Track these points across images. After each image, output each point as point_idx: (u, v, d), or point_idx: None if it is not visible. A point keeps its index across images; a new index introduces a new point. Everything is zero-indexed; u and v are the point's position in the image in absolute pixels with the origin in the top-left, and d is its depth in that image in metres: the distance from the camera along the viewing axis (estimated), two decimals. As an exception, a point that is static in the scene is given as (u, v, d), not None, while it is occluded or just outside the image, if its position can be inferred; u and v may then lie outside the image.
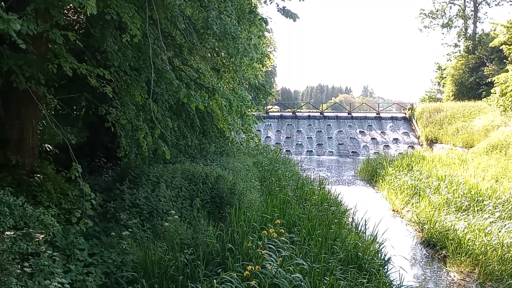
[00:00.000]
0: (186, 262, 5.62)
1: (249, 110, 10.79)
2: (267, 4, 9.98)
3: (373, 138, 31.51)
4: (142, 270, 5.40)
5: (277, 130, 32.89)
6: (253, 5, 9.42)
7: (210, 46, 8.43)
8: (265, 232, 6.49)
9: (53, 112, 8.79)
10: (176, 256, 5.70)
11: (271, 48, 45.79)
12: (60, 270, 4.47)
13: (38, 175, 6.02)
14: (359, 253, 7.05)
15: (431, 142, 27.76)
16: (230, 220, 7.39)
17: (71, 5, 5.25)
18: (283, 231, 6.79)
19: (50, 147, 8.24)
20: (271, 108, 40.38)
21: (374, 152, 28.00)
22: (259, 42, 11.28)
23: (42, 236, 4.71)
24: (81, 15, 8.65)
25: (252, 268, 5.16)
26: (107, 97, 6.19)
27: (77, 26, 8.71)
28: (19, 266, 4.08)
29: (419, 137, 30.53)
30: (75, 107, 9.73)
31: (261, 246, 6.04)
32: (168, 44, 8.98)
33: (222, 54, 10.20)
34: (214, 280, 4.93)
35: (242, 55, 7.03)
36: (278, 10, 8.90)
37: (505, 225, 9.08)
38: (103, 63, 6.96)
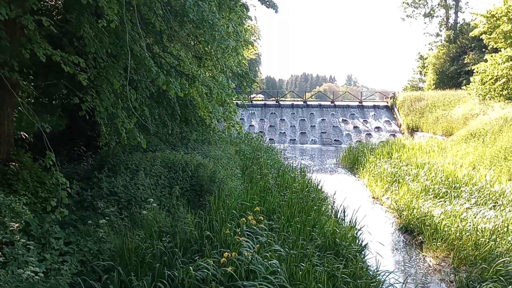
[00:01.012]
0: (164, 249, 5.62)
1: (231, 98, 10.75)
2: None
3: (355, 127, 31.78)
4: (118, 258, 5.39)
5: (261, 119, 32.90)
6: (233, -9, 9.34)
7: (188, 33, 8.33)
8: (244, 219, 6.53)
9: (32, 100, 8.64)
10: (153, 244, 5.70)
11: (255, 36, 45.60)
12: (34, 259, 4.42)
13: (14, 164, 5.94)
14: (337, 240, 7.17)
15: (412, 130, 28.13)
16: (209, 208, 7.42)
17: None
18: (262, 218, 6.84)
19: (27, 135, 8.11)
20: (255, 96, 40.35)
21: (357, 141, 28.26)
22: (241, 30, 11.19)
23: (17, 225, 4.67)
24: (58, 0, 8.48)
25: (229, 255, 5.20)
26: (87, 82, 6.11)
27: (55, 12, 8.54)
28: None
29: (400, 125, 30.89)
30: (55, 95, 9.58)
31: (239, 233, 6.09)
32: (148, 31, 8.87)
33: (203, 41, 10.11)
34: (190, 267, 4.96)
35: (219, 42, 6.98)
36: (259, 0, 8.83)
37: (480, 211, 9.31)
38: (80, 49, 6.85)
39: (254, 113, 33.28)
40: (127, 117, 7.13)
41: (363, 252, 7.57)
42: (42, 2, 8.04)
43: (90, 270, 5.10)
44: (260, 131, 30.30)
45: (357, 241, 7.93)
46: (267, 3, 8.87)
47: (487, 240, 7.65)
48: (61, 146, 8.91)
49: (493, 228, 8.03)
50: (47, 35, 6.14)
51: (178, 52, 9.72)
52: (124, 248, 5.47)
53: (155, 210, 6.60)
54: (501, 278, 6.41)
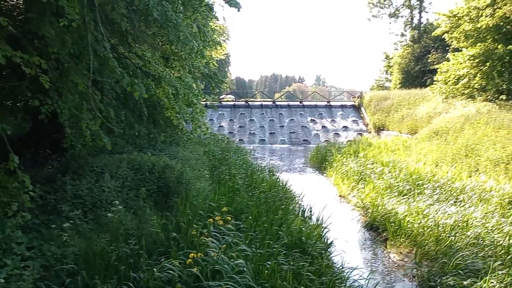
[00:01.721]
0: (130, 252, 5.59)
1: (198, 98, 10.73)
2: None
3: (323, 126, 32.23)
4: (83, 262, 5.32)
5: (230, 119, 32.89)
6: (198, -10, 9.33)
7: (154, 33, 8.28)
8: (211, 220, 6.56)
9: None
10: (119, 246, 5.65)
11: (224, 36, 45.50)
12: (-5, 265, 4.33)
13: (-27, 168, 5.74)
14: (303, 238, 7.28)
15: (379, 129, 28.78)
16: (176, 209, 7.40)
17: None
18: (230, 219, 6.89)
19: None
20: (224, 97, 40.28)
21: (325, 140, 28.68)
22: (208, 30, 11.19)
23: (-24, 231, 4.53)
24: (19, 0, 8.25)
25: (194, 256, 5.22)
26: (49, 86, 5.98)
27: (16, 12, 8.31)
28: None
29: (367, 124, 31.54)
30: (19, 97, 9.31)
31: (206, 234, 6.11)
32: (113, 31, 8.74)
33: (168, 41, 10.03)
34: (155, 269, 4.95)
35: (183, 43, 6.97)
36: (221, -2, 8.86)
37: (442, 207, 9.64)
38: (42, 50, 6.69)
39: (223, 114, 33.25)
40: (92, 118, 7.01)
41: (329, 250, 7.73)
42: (2, 2, 7.81)
43: (54, 275, 5.01)
44: (229, 132, 30.32)
45: (323, 239, 8.08)
46: (230, 2, 8.90)
47: (447, 235, 7.93)
48: (25, 148, 8.68)
49: (453, 224, 8.33)
50: (7, 36, 5.97)
51: (143, 52, 9.62)
52: (89, 251, 5.41)
53: (121, 213, 6.54)
54: (460, 272, 6.67)
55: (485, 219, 8.62)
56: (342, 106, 34.85)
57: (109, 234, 6.05)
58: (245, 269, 5.39)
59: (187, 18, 8.43)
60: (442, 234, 8.06)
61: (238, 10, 8.85)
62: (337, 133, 30.98)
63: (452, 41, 22.66)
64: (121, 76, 6.55)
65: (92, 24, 6.45)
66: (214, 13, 10.73)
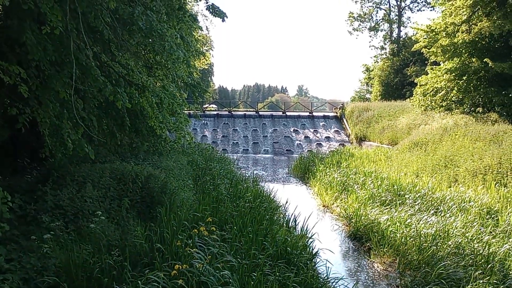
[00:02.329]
0: (113, 264, 5.47)
1: (181, 108, 10.67)
2: (198, 1, 9.94)
3: (306, 137, 32.43)
4: (64, 274, 5.19)
5: (214, 129, 32.83)
6: (182, 1, 9.32)
7: (137, 42, 8.23)
8: (196, 230, 6.48)
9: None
10: (102, 258, 5.53)
11: (207, 46, 45.61)
12: (-29, 278, 4.18)
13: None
14: (288, 248, 7.25)
15: (360, 140, 29.11)
16: (160, 220, 7.30)
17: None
18: (214, 229, 6.82)
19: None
20: (208, 106, 40.26)
21: (308, 150, 28.82)
22: (191, 40, 11.19)
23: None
24: (-2, 6, 8.10)
25: (179, 267, 5.14)
26: (28, 92, 5.86)
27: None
28: None
29: (349, 135, 31.87)
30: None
31: (191, 244, 6.03)
32: (96, 39, 8.65)
33: (152, 51, 9.98)
34: (139, 281, 4.85)
35: (168, 53, 6.95)
36: (207, 8, 8.87)
37: (423, 217, 9.76)
38: (22, 57, 6.57)
39: (206, 123, 33.17)
40: (73, 127, 6.89)
41: (313, 260, 7.70)
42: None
43: (34, 288, 4.87)
44: (213, 141, 30.24)
45: (308, 249, 8.06)
46: (215, 12, 8.93)
47: (429, 244, 8.02)
48: (3, 157, 8.47)
49: (435, 233, 8.43)
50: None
51: (127, 61, 9.55)
52: (70, 263, 5.28)
53: (104, 223, 6.42)
54: (443, 281, 6.74)
55: (465, 229, 8.77)
56: (324, 117, 35.20)
57: (92, 245, 5.92)
58: (231, 280, 5.33)
59: (172, 28, 8.41)
60: (424, 244, 8.14)
61: (223, 20, 8.87)
62: (320, 144, 31.19)
63: (430, 55, 23.21)
64: (103, 85, 6.47)
65: (75, 32, 6.37)
66: (197, 23, 10.72)
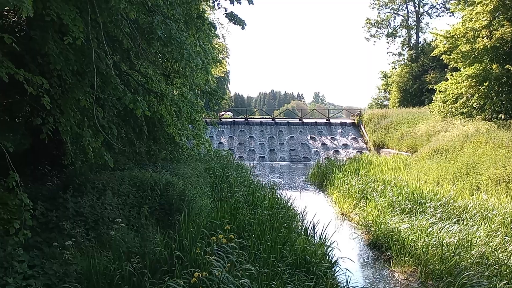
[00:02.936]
0: (133, 271, 5.49)
1: (200, 115, 10.73)
2: (216, 9, 10.01)
3: (323, 144, 32.26)
4: (86, 281, 5.23)
5: (230, 136, 32.92)
6: (201, 10, 9.41)
7: (156, 51, 8.32)
8: (215, 238, 6.47)
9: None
10: (122, 265, 5.56)
11: (223, 54, 45.93)
12: (-4, 284, 4.25)
13: (-27, 185, 5.69)
14: (307, 257, 7.19)
15: (378, 147, 28.81)
16: (179, 227, 7.32)
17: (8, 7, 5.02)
18: (233, 237, 6.81)
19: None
20: (224, 114, 40.40)
21: (325, 158, 28.65)
22: (208, 48, 11.27)
23: (-23, 249, 4.47)
24: (21, 17, 8.29)
25: (199, 275, 5.13)
26: (51, 102, 5.96)
27: (17, 28, 8.34)
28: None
29: (367, 142, 31.59)
30: (17, 113, 9.29)
31: (210, 252, 6.02)
32: (115, 48, 8.78)
33: (171, 59, 10.08)
34: (160, 288, 4.86)
35: (187, 60, 7.00)
36: (226, 16, 8.93)
37: (445, 225, 9.57)
38: (44, 67, 6.70)
39: (223, 130, 33.28)
40: (93, 135, 6.98)
41: (333, 269, 7.62)
42: (3, 19, 7.85)
43: (56, 294, 4.92)
44: (229, 149, 30.29)
45: (327, 257, 7.98)
46: (235, 20, 8.98)
47: (452, 254, 7.86)
48: (24, 165, 8.61)
49: (457, 243, 8.25)
50: (9, 52, 5.98)
51: (146, 69, 9.66)
52: (91, 270, 5.32)
53: (123, 230, 6.46)
54: (467, 291, 6.59)
55: (489, 238, 8.57)
56: (341, 124, 34.96)
57: (112, 252, 5.96)
58: (250, 288, 5.30)
59: (191, 36, 8.49)
60: (446, 253, 7.98)
61: (243, 28, 8.91)
62: (337, 151, 30.99)
63: (450, 61, 22.90)
64: (123, 93, 6.54)
65: (96, 41, 6.48)
66: (215, 31, 10.80)
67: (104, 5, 5.93)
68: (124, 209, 7.36)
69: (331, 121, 35.94)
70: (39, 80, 5.41)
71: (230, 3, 8.51)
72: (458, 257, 7.71)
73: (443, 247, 8.21)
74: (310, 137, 33.05)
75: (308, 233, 9.63)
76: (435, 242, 8.52)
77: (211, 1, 9.03)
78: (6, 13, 7.90)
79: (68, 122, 6.43)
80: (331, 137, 33.01)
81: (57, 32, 6.60)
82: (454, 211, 10.58)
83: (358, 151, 30.23)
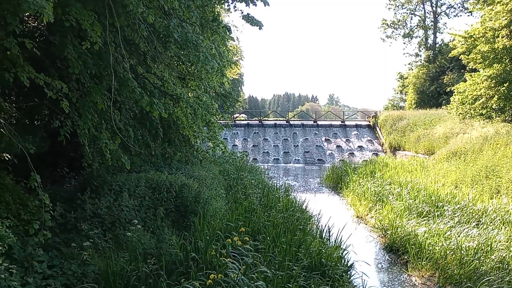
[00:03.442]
0: (149, 272, 5.54)
1: (215, 117, 10.78)
2: (231, 12, 10.08)
3: (338, 146, 32.07)
4: (103, 281, 5.30)
5: (244, 139, 32.96)
6: (216, 13, 9.47)
7: (172, 54, 8.40)
8: (229, 240, 6.49)
9: (13, 121, 8.52)
10: (138, 266, 5.61)
11: (237, 56, 46.08)
12: (17, 283, 4.33)
13: (-4, 186, 5.82)
14: (323, 260, 7.15)
15: (394, 149, 28.52)
16: (194, 229, 7.35)
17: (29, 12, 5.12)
18: (248, 239, 6.81)
19: (9, 156, 7.97)
20: (238, 116, 40.51)
21: (340, 160, 28.47)
22: (224, 50, 11.33)
23: (-1, 248, 4.56)
24: (41, 22, 8.45)
25: (215, 277, 5.14)
26: (69, 105, 6.07)
27: (37, 33, 8.51)
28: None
29: (382, 144, 31.30)
30: (36, 116, 9.48)
31: (225, 254, 6.04)
32: (132, 52, 8.89)
33: (186, 62, 10.15)
34: (176, 290, 4.89)
35: (203, 63, 7.05)
36: (242, 18, 8.96)
37: (464, 229, 9.42)
38: (63, 71, 6.82)
39: (237, 133, 33.33)
40: (111, 138, 7.08)
41: (349, 272, 7.57)
42: (24, 24, 8.02)
43: (74, 295, 4.99)
44: (243, 151, 30.34)
45: (343, 261, 7.93)
46: (252, 21, 9.01)
47: (471, 258, 7.73)
48: (43, 167, 8.76)
49: (477, 247, 8.11)
50: (30, 57, 6.10)
51: (162, 72, 9.76)
52: (108, 271, 5.38)
53: (140, 232, 6.52)
54: (486, 296, 6.48)
55: (510, 243, 8.40)
56: (357, 126, 34.69)
57: (128, 253, 6.03)
58: (265, 291, 5.29)
59: (206, 39, 8.54)
60: (465, 258, 7.85)
61: (260, 29, 8.96)
62: (352, 153, 30.78)
63: (468, 62, 22.55)
64: (140, 96, 6.62)
65: (113, 45, 6.58)
66: (230, 33, 10.85)
67: (121, 10, 6.01)
68: (140, 211, 7.43)
69: (346, 123, 35.70)
70: (58, 84, 5.51)
71: (246, 6, 8.55)
72: (477, 261, 7.59)
73: (462, 251, 8.08)
74: (325, 139, 32.89)
75: (323, 235, 9.57)
76: (453, 246, 8.39)
77: (226, 4, 9.07)
78: (26, 19, 8.08)
79: (86, 125, 6.53)
80: (346, 139, 32.80)
81: (76, 36, 6.72)
82: (473, 214, 10.41)
83: (373, 153, 29.97)
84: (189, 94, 10.59)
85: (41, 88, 5.61)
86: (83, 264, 5.39)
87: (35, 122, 9.55)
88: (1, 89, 5.53)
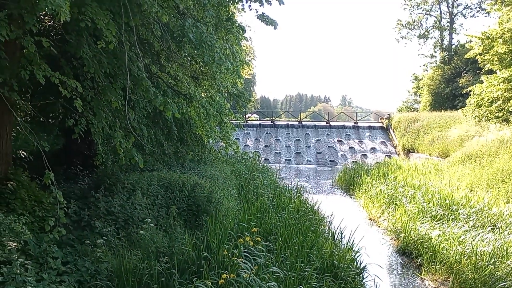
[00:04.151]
0: (161, 270, 5.56)
1: (227, 117, 10.79)
2: (245, 11, 10.07)
3: (351, 147, 31.88)
4: (116, 279, 5.33)
5: (256, 139, 32.95)
6: (230, 13, 9.47)
7: (187, 54, 8.43)
8: (241, 240, 6.48)
9: (28, 119, 8.64)
10: (151, 264, 5.64)
11: (250, 56, 46.11)
12: (32, 279, 4.38)
13: (12, 183, 5.89)
14: (335, 262, 7.10)
15: (408, 151, 28.25)
16: (206, 228, 7.36)
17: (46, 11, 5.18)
18: (260, 239, 6.79)
19: (25, 154, 8.08)
20: (250, 116, 40.53)
21: (352, 161, 28.28)
22: (237, 50, 11.33)
23: (15, 244, 4.62)
24: (57, 21, 8.55)
25: (227, 276, 5.14)
26: (83, 104, 6.13)
27: (53, 32, 8.61)
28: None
29: (396, 146, 31.03)
30: (51, 114, 9.59)
31: (237, 254, 6.03)
32: (146, 51, 8.94)
33: (200, 62, 10.17)
34: (188, 289, 4.90)
35: (218, 63, 7.05)
36: (257, 17, 8.95)
37: (479, 234, 9.27)
38: (78, 69, 6.89)
39: (249, 133, 33.34)
40: (124, 136, 7.12)
41: (361, 275, 7.50)
42: (41, 23, 8.12)
43: (88, 291, 5.03)
44: (255, 151, 30.33)
45: (355, 263, 7.86)
46: (266, 21, 9.00)
47: (486, 263, 7.60)
48: (57, 165, 8.87)
49: (492, 252, 7.98)
50: (46, 55, 6.17)
51: (175, 72, 9.79)
52: (121, 268, 5.42)
53: (152, 230, 6.55)
54: (502, 302, 6.36)
55: (526, 248, 8.24)
56: (370, 127, 34.45)
57: (141, 251, 6.06)
58: (277, 292, 5.27)
59: (220, 39, 8.55)
60: (480, 262, 7.72)
61: (275, 28, 8.95)
62: (365, 155, 30.56)
63: (485, 63, 22.21)
64: (154, 96, 6.64)
65: (128, 44, 6.61)
66: (244, 33, 10.83)
67: (136, 9, 6.04)
68: (153, 209, 7.47)
69: (359, 124, 35.47)
70: (73, 83, 5.56)
71: (260, 5, 8.53)
72: (493, 266, 7.46)
73: (477, 256, 7.95)
74: (337, 140, 32.72)
75: (336, 237, 9.50)
76: (468, 251, 8.26)
77: (240, 4, 9.05)
78: (42, 17, 8.18)
79: (100, 124, 6.58)
80: (358, 141, 32.58)
81: (91, 35, 6.78)
82: (489, 218, 10.23)
83: (386, 155, 29.71)
84: (202, 94, 10.61)
85: (56, 87, 5.67)
86: (96, 261, 5.44)
87: (50, 120, 9.67)
88: (18, 87, 5.58)
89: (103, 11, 5.52)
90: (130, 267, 5.44)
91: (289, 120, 41.02)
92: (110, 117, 7.06)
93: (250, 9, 8.91)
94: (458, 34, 46.27)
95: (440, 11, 46.08)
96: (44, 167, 5.15)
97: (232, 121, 15.17)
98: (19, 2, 4.71)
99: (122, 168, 9.01)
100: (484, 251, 8.09)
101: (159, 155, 10.82)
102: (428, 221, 10.68)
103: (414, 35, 47.69)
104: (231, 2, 9.02)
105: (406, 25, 47.59)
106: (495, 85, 20.86)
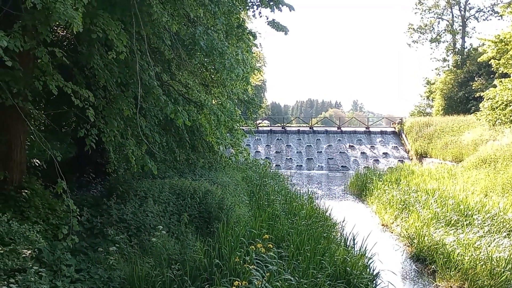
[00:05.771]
0: (173, 277, 5.58)
1: (238, 124, 10.83)
2: (255, 18, 10.11)
3: (362, 153, 31.68)
4: (129, 286, 5.36)
5: (267, 145, 32.94)
6: (241, 19, 9.53)
7: (198, 61, 8.50)
8: (253, 247, 6.47)
9: (42, 128, 8.77)
10: (163, 271, 5.66)
11: (260, 63, 46.25)
12: (46, 286, 4.44)
13: (26, 191, 5.99)
14: (348, 268, 7.04)
15: (421, 156, 27.98)
16: (218, 235, 7.36)
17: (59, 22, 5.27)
18: (271, 246, 6.78)
19: (39, 162, 8.20)
20: (261, 122, 40.56)
21: (364, 167, 28.06)
22: (247, 57, 11.39)
23: (29, 252, 4.69)
24: (70, 31, 8.70)
25: (239, 284, 5.13)
26: (95, 113, 6.21)
27: (65, 42, 8.75)
28: (5, 282, 4.05)
29: (408, 151, 30.76)
30: (64, 122, 9.73)
31: (249, 261, 6.02)
32: (157, 60, 9.04)
33: (211, 69, 10.26)
34: (200, 296, 4.90)
35: (229, 70, 7.10)
36: (268, 24, 9.01)
37: (494, 239, 9.12)
38: (90, 78, 6.99)
39: (260, 139, 33.33)
40: (136, 144, 7.19)
41: (374, 281, 7.43)
42: (54, 33, 8.26)
43: (100, 298, 5.07)
44: (266, 157, 30.28)
45: (368, 269, 7.79)
46: (277, 27, 9.05)
47: (502, 269, 7.48)
48: (70, 173, 8.98)
49: (508, 257, 7.85)
50: (58, 65, 6.27)
51: (186, 80, 9.87)
52: (134, 275, 5.45)
53: (164, 238, 6.58)
54: (518, 309, 6.25)
55: (543, 253, 8.09)
56: (382, 132, 34.18)
57: (153, 258, 6.08)
58: (289, 299, 5.24)
59: (231, 45, 8.61)
60: (496, 268, 7.60)
61: (286, 34, 9.00)
62: (377, 160, 30.35)
63: (498, 67, 21.97)
64: (165, 104, 6.70)
65: (139, 53, 6.70)
66: (255, 39, 10.90)
67: (147, 18, 6.11)
68: (165, 217, 7.51)
69: (371, 129, 35.23)
70: (85, 92, 5.65)
71: (271, 11, 8.58)
72: (509, 273, 7.34)
73: (492, 262, 7.82)
74: (349, 145, 32.55)
75: (348, 244, 9.43)
76: (483, 256, 8.13)
77: (251, 11, 9.11)
78: (55, 28, 8.32)
79: (111, 132, 6.66)
80: (370, 146, 32.37)
81: (103, 45, 6.88)
82: (504, 224, 10.05)
83: (399, 160, 29.45)
84: (213, 101, 10.67)
85: (68, 96, 5.76)
86: (109, 268, 5.48)
87: (63, 129, 9.81)
88: (31, 96, 5.69)
89: (115, 22, 5.60)
90: (143, 274, 5.47)
91: (300, 126, 40.95)
92: (122, 125, 7.14)
93: (261, 16, 8.97)
94: (470, 37, 45.84)
95: (452, 15, 45.77)
96: (57, 175, 5.22)
97: (243, 128, 15.22)
98: (33, 14, 4.81)
99: (134, 175, 9.08)
100: (500, 257, 7.96)
101: (171, 162, 10.90)
102: (442, 226, 10.55)
103: (426, 39, 47.42)
104: (241, 9, 9.09)
105: (418, 29, 47.33)
106: (509, 88, 20.60)
